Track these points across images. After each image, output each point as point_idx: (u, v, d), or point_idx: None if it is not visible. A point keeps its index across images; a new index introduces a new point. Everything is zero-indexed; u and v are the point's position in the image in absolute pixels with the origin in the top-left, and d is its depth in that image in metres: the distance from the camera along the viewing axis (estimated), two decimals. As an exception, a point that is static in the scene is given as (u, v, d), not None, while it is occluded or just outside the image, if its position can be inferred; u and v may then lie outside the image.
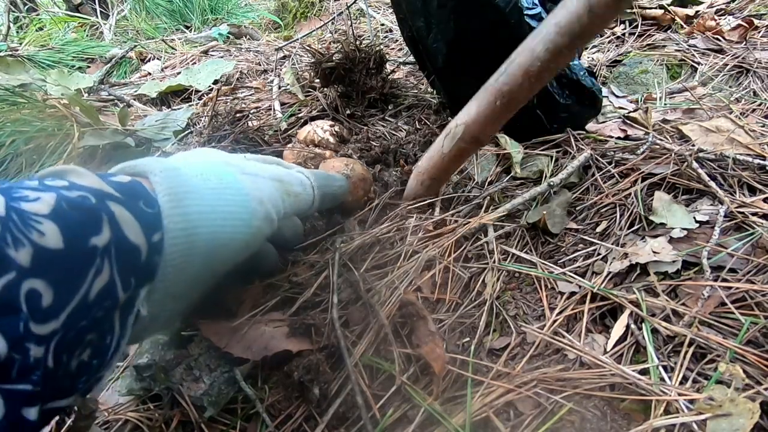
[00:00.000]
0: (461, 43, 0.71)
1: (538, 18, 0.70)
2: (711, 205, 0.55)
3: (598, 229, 0.55)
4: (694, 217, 0.52)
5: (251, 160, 0.47)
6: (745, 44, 0.95)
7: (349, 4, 1.43)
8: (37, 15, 2.33)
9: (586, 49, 1.05)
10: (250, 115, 0.93)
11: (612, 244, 0.52)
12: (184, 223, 0.33)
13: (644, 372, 0.39)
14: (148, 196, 0.32)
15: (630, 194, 0.57)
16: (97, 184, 0.29)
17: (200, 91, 1.13)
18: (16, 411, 0.22)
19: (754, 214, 0.51)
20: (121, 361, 0.31)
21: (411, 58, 1.02)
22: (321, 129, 0.72)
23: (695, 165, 0.58)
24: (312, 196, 0.49)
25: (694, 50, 0.96)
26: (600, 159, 0.65)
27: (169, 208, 0.33)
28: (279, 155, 0.72)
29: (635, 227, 0.54)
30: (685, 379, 0.39)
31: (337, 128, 0.74)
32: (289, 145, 0.71)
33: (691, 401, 0.36)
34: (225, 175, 0.39)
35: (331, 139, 0.72)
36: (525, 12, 0.69)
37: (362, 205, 0.62)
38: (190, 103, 1.09)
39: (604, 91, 0.87)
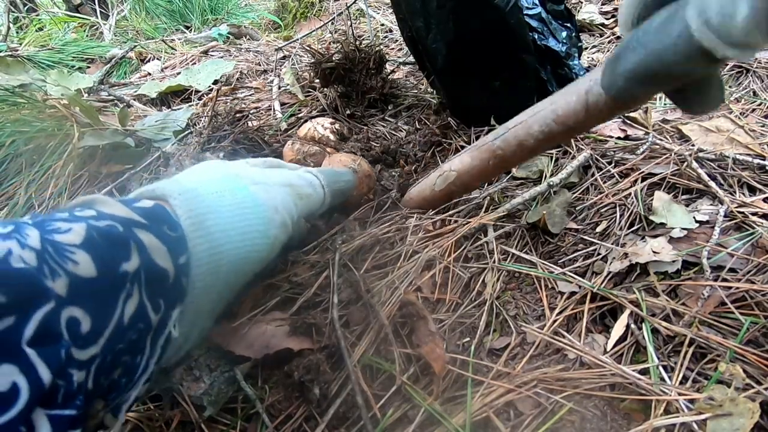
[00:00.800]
0: (460, 43, 0.71)
1: (538, 18, 0.70)
2: (711, 204, 0.55)
3: (598, 229, 0.55)
4: (694, 217, 0.52)
5: (254, 166, 0.48)
6: (745, 44, 0.95)
7: (349, 4, 1.43)
8: (37, 15, 2.33)
9: (586, 49, 1.05)
10: (250, 115, 0.93)
11: (612, 244, 0.52)
12: (207, 243, 0.34)
13: (644, 372, 0.39)
14: (171, 220, 0.33)
15: (630, 194, 0.57)
16: (124, 213, 0.30)
17: (200, 92, 1.13)
18: None
19: (754, 214, 0.51)
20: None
21: (411, 58, 1.02)
22: (321, 126, 0.72)
23: (695, 165, 0.58)
24: (322, 195, 0.50)
25: (694, 50, 0.96)
26: (600, 159, 0.65)
27: (192, 231, 0.34)
28: (279, 156, 0.72)
29: (635, 227, 0.54)
30: (685, 379, 0.39)
31: (337, 126, 0.74)
32: (289, 142, 0.71)
33: (691, 401, 0.36)
34: (239, 190, 0.40)
35: (332, 137, 0.72)
36: (525, 12, 0.69)
37: (364, 203, 0.62)
38: (190, 104, 1.09)
39: (604, 91, 0.87)
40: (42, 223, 0.26)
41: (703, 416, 0.34)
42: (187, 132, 0.90)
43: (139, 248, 0.29)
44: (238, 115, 0.90)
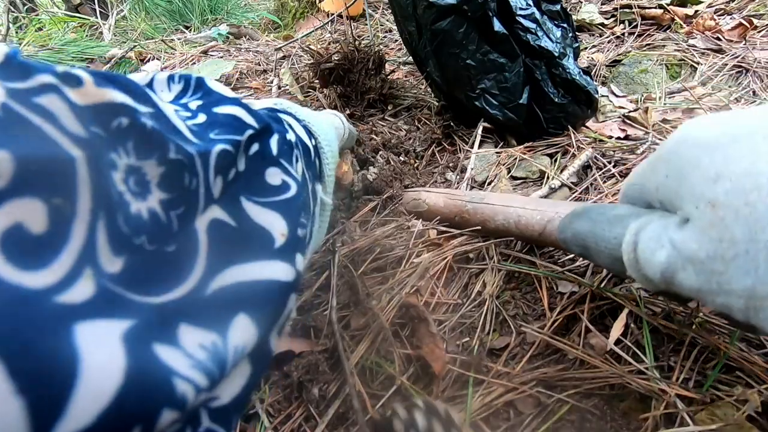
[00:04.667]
0: (445, 47, 0.71)
1: (532, 18, 0.70)
2: (710, 204, 0.54)
3: (598, 229, 0.55)
4: (694, 217, 0.52)
5: None
6: (745, 44, 0.95)
7: (348, 4, 1.42)
8: (37, 15, 2.33)
9: (585, 49, 1.05)
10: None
11: (612, 243, 0.52)
12: (324, 136, 0.40)
13: (644, 372, 0.39)
14: (291, 114, 0.39)
15: (629, 194, 0.57)
16: (263, 105, 0.39)
17: (200, 92, 1.13)
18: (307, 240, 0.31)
19: (753, 214, 0.51)
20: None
21: (411, 58, 1.02)
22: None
23: (695, 165, 0.58)
24: (344, 129, 0.57)
25: (694, 50, 0.96)
26: (600, 158, 0.65)
27: (308, 123, 0.40)
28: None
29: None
30: (685, 379, 0.39)
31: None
32: None
33: (691, 401, 0.36)
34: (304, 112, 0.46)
35: None
36: (518, 12, 0.69)
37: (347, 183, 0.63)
38: (190, 104, 1.09)
39: (604, 90, 0.87)
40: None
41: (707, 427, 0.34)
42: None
43: (289, 125, 0.35)
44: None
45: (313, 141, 0.38)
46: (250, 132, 0.27)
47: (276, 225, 0.26)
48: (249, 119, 0.27)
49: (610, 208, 0.37)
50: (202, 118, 0.25)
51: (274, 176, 0.28)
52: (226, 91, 0.29)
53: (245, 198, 0.25)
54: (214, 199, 0.23)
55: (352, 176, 0.64)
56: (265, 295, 0.23)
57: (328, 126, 0.43)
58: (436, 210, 0.58)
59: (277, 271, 0.24)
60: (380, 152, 0.69)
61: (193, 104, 0.27)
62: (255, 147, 0.28)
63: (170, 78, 0.29)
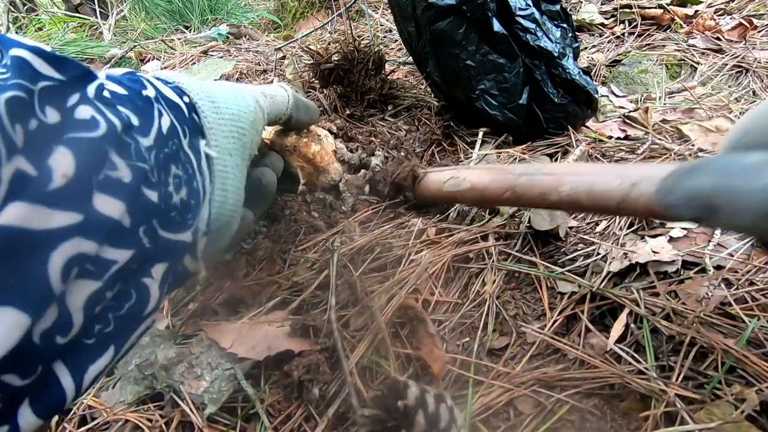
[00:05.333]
0: (445, 47, 0.71)
1: (531, 18, 0.70)
2: (710, 204, 0.54)
3: (598, 229, 0.55)
4: (694, 217, 0.52)
5: None
6: (745, 44, 0.95)
7: (348, 4, 1.43)
8: (37, 15, 2.33)
9: (585, 49, 1.05)
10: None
11: (612, 243, 0.52)
12: (200, 91, 0.39)
13: (644, 372, 0.39)
14: (161, 80, 0.38)
15: (629, 194, 0.57)
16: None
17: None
18: (138, 184, 0.28)
19: (753, 214, 0.51)
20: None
21: (410, 58, 1.02)
22: None
23: (695, 165, 0.58)
24: (286, 97, 0.53)
25: (694, 50, 0.96)
26: (600, 158, 0.65)
27: (182, 84, 0.39)
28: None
29: (635, 227, 0.54)
30: (685, 378, 0.39)
31: None
32: None
33: (690, 400, 0.36)
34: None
35: None
36: (518, 13, 0.69)
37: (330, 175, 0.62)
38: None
39: (604, 90, 0.87)
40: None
41: (703, 426, 0.34)
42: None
43: (149, 82, 0.35)
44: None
45: (186, 98, 0.38)
46: (46, 83, 0.25)
47: (60, 164, 0.24)
48: (43, 67, 0.26)
49: (737, 157, 0.30)
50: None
51: (83, 112, 0.27)
52: (24, 39, 0.27)
53: (55, 144, 0.25)
54: (18, 148, 0.23)
55: (334, 163, 0.61)
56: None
57: (219, 89, 0.41)
58: (480, 187, 0.51)
59: (27, 214, 0.23)
60: (377, 150, 0.69)
61: (8, 61, 0.26)
62: (74, 97, 0.27)
63: None
